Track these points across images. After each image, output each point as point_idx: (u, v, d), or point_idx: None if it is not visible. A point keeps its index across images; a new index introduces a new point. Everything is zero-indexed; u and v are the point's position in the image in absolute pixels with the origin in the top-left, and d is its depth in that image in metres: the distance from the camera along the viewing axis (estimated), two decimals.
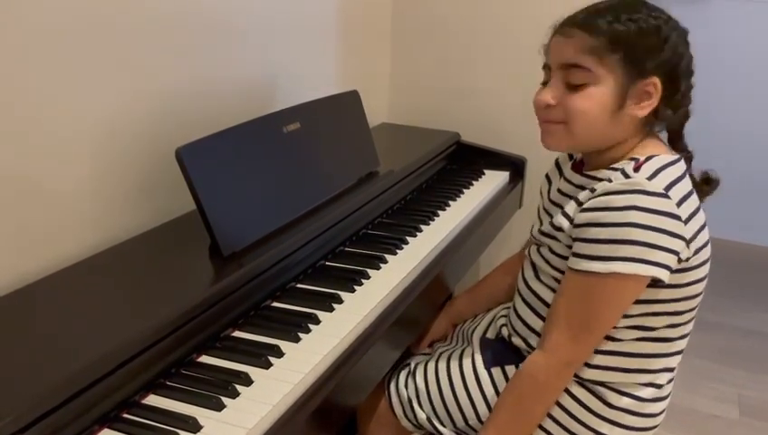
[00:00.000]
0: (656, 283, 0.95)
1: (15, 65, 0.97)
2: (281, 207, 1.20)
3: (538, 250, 1.08)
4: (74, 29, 1.04)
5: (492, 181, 1.77)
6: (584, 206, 0.96)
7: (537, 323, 1.07)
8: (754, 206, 3.09)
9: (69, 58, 1.04)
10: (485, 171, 1.83)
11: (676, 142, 1.06)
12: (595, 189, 0.97)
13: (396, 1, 2.04)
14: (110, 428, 0.80)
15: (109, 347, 0.81)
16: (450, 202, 1.59)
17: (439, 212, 1.52)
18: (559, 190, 1.06)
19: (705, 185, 1.04)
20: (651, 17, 0.98)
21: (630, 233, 0.90)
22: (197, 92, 1.32)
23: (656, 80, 0.97)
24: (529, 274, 1.10)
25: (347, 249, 1.30)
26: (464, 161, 1.89)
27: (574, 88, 0.99)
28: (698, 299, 1.03)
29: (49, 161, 1.04)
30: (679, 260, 0.94)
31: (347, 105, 1.49)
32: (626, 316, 0.98)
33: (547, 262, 1.05)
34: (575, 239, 0.97)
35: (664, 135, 1.07)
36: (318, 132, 1.35)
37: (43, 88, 1.01)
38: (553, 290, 1.05)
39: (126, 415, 0.82)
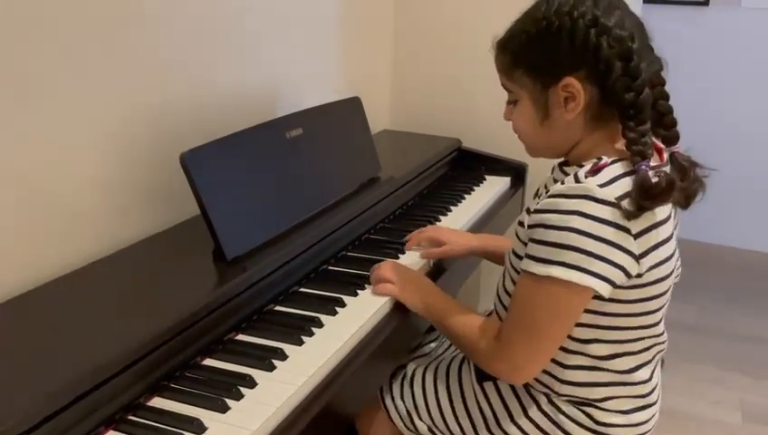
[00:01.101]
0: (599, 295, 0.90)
1: (25, 73, 0.98)
2: (284, 211, 1.21)
3: (509, 253, 1.07)
4: (83, 37, 1.06)
5: (493, 187, 1.78)
6: (535, 208, 0.93)
7: None
8: (754, 211, 3.09)
9: (77, 65, 1.06)
10: (486, 177, 1.84)
11: (633, 128, 0.90)
12: (549, 190, 0.95)
13: (397, 9, 2.06)
14: (115, 429, 0.81)
15: (114, 350, 0.82)
16: (451, 208, 1.60)
17: (441, 217, 1.52)
18: (545, 185, 1.06)
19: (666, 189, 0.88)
20: (543, 18, 0.92)
21: (570, 238, 0.87)
22: (202, 99, 1.33)
23: (570, 80, 0.91)
24: (500, 281, 1.10)
25: (349, 254, 1.31)
26: (465, 167, 1.90)
27: (513, 105, 1.02)
28: (656, 315, 0.98)
29: (55, 167, 1.05)
30: (627, 275, 0.89)
31: (349, 111, 1.50)
32: (583, 328, 0.95)
33: (510, 262, 1.04)
34: (528, 241, 0.94)
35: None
36: (320, 138, 1.36)
37: (50, 95, 1.02)
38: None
39: (131, 417, 0.83)
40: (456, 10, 1.99)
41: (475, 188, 1.76)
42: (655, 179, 0.88)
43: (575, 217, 0.87)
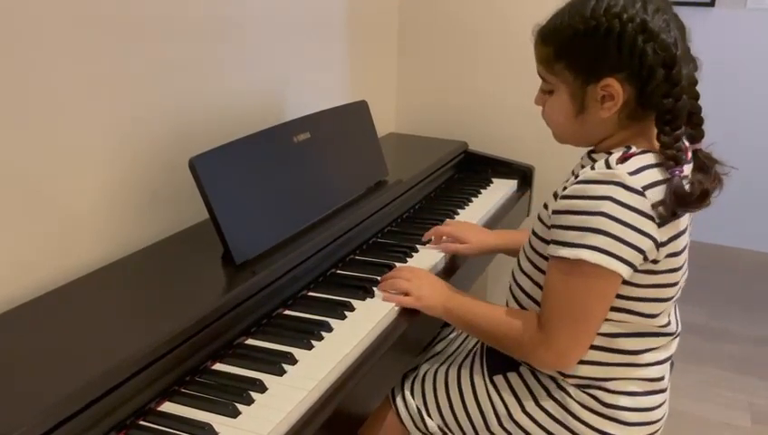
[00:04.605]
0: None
1: (29, 78, 0.98)
2: (292, 215, 1.21)
3: (529, 232, 1.09)
4: (91, 40, 1.06)
5: (500, 190, 1.78)
6: (563, 193, 0.95)
7: None
8: (763, 213, 3.07)
9: (82, 70, 1.06)
10: (493, 180, 1.84)
11: (668, 133, 0.93)
12: (578, 175, 0.97)
13: (403, 12, 2.06)
14: None
15: (124, 355, 0.82)
16: (459, 211, 1.59)
17: (448, 221, 1.52)
18: (572, 171, 1.07)
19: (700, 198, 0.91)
20: (592, 18, 0.92)
21: (601, 223, 0.89)
22: (209, 103, 1.33)
23: (610, 81, 0.93)
24: (516, 266, 1.11)
25: (357, 258, 1.31)
26: (472, 170, 1.90)
27: (548, 94, 1.02)
28: (666, 304, 1.00)
29: (62, 173, 1.05)
30: (645, 259, 0.92)
31: (356, 115, 1.50)
32: None
33: (530, 243, 1.05)
34: (552, 226, 0.96)
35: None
36: (327, 142, 1.36)
37: (57, 100, 1.03)
38: (530, 278, 1.05)
39: (142, 422, 0.83)
40: (461, 14, 1.99)
41: (482, 190, 1.75)
42: (687, 186, 0.90)
43: (606, 202, 0.90)
